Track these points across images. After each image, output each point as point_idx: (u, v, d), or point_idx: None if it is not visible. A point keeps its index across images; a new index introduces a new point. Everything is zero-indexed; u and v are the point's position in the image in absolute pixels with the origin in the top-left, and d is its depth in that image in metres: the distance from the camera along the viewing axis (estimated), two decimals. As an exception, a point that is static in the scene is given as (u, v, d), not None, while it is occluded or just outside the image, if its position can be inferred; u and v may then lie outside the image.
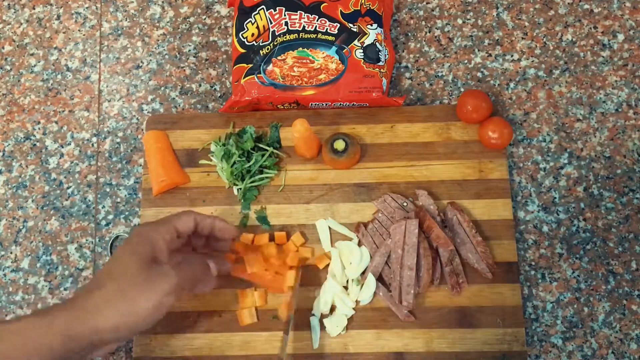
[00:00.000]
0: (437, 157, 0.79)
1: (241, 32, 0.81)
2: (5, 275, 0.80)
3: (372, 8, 0.82)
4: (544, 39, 0.86)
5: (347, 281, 0.75)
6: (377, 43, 0.80)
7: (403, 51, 0.86)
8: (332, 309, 0.74)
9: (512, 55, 0.85)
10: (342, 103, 0.80)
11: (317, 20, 0.80)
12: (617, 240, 0.78)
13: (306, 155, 0.79)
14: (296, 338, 0.74)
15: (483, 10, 0.87)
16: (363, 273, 0.75)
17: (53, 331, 0.55)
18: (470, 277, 0.75)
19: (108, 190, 0.83)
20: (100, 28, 0.90)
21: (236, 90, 0.79)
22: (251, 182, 0.78)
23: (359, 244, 0.76)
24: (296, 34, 0.79)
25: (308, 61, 0.79)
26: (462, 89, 0.84)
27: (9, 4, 0.92)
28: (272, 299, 0.75)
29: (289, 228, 0.78)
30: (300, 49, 0.79)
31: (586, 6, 0.87)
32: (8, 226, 0.82)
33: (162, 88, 0.87)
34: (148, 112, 0.86)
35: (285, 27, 0.80)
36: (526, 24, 0.86)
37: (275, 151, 0.80)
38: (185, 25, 0.89)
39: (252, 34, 0.81)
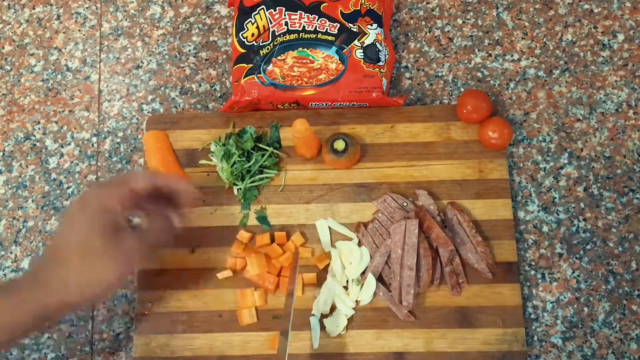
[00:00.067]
0: (437, 157, 0.79)
1: (241, 32, 0.81)
2: (5, 275, 0.80)
3: (372, 8, 0.82)
4: (544, 39, 0.86)
5: (347, 281, 0.75)
6: (377, 43, 0.80)
7: (403, 51, 0.86)
8: (332, 309, 0.74)
9: (512, 55, 0.85)
10: (342, 103, 0.80)
11: (317, 20, 0.80)
12: (617, 240, 0.78)
13: (306, 155, 0.79)
14: (296, 338, 0.74)
15: (483, 10, 0.87)
16: (363, 273, 0.75)
17: (24, 309, 0.57)
18: (470, 277, 0.75)
19: (108, 190, 0.82)
20: (100, 28, 0.90)
21: (236, 90, 0.79)
22: (251, 182, 0.78)
23: (359, 244, 0.76)
24: (296, 34, 0.79)
25: (308, 61, 0.79)
26: (462, 89, 0.84)
27: (9, 4, 0.92)
28: (273, 299, 0.75)
29: (289, 228, 0.78)
30: (300, 49, 0.79)
31: (586, 6, 0.87)
32: (8, 226, 0.82)
33: (162, 88, 0.87)
34: (148, 112, 0.86)
35: (285, 27, 0.80)
36: (526, 24, 0.86)
37: (275, 151, 0.80)
38: (185, 25, 0.89)
39: (252, 34, 0.81)
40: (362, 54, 0.79)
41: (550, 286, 0.76)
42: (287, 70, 0.78)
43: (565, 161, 0.81)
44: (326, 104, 0.81)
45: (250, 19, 0.81)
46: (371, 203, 0.78)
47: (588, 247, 0.78)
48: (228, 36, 0.88)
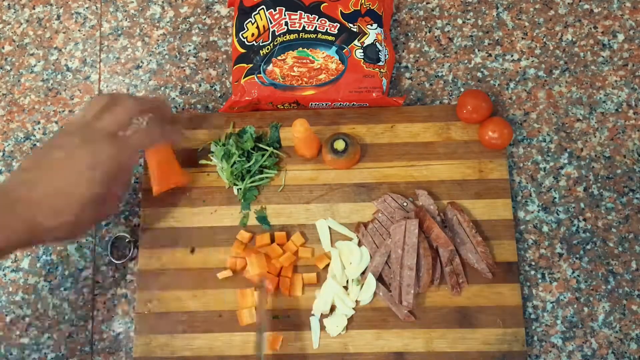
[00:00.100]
0: (437, 157, 0.79)
1: (241, 32, 0.81)
2: (5, 275, 0.80)
3: (372, 8, 0.82)
4: (544, 39, 0.86)
5: (347, 281, 0.75)
6: (377, 43, 0.80)
7: (403, 51, 0.86)
8: (332, 309, 0.74)
9: (512, 55, 0.85)
10: (342, 103, 0.80)
11: (317, 20, 0.80)
12: (617, 240, 0.78)
13: (306, 155, 0.79)
14: (296, 338, 0.74)
15: (483, 10, 0.87)
16: (363, 273, 0.75)
17: (17, 219, 0.57)
18: (470, 277, 0.75)
19: (108, 190, 0.82)
20: (100, 28, 0.90)
21: (236, 90, 0.79)
22: (251, 182, 0.78)
23: (359, 244, 0.76)
24: (296, 34, 0.79)
25: (308, 61, 0.79)
26: (462, 89, 0.84)
27: (9, 4, 0.92)
28: (273, 299, 0.75)
29: (289, 228, 0.78)
30: (300, 49, 0.79)
31: (586, 6, 0.87)
32: (8, 226, 0.82)
33: (162, 88, 0.87)
34: (148, 112, 0.85)
35: (285, 27, 0.80)
36: (526, 24, 0.86)
37: (275, 151, 0.80)
38: (185, 25, 0.89)
39: (252, 34, 0.81)
40: (362, 54, 0.79)
41: (550, 286, 0.76)
42: (287, 70, 0.78)
43: (565, 161, 0.81)
44: (326, 104, 0.81)
45: (250, 19, 0.81)
46: (371, 203, 0.78)
47: (588, 247, 0.78)
48: (228, 36, 0.88)
